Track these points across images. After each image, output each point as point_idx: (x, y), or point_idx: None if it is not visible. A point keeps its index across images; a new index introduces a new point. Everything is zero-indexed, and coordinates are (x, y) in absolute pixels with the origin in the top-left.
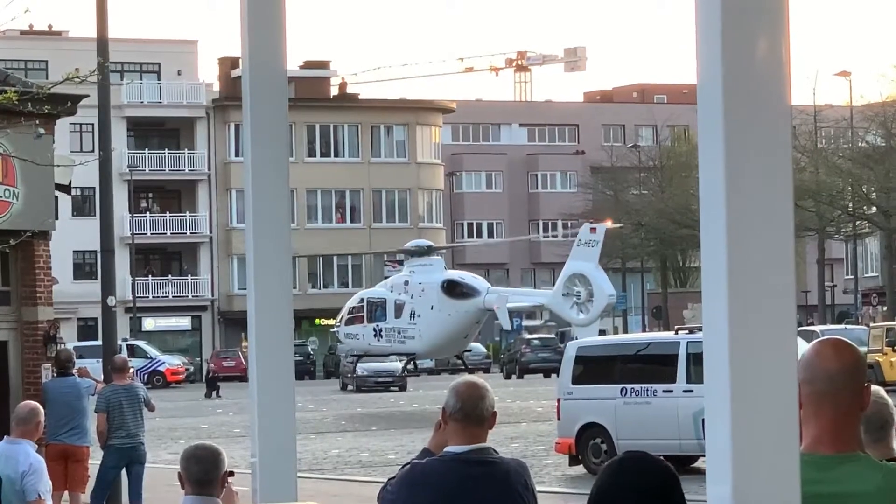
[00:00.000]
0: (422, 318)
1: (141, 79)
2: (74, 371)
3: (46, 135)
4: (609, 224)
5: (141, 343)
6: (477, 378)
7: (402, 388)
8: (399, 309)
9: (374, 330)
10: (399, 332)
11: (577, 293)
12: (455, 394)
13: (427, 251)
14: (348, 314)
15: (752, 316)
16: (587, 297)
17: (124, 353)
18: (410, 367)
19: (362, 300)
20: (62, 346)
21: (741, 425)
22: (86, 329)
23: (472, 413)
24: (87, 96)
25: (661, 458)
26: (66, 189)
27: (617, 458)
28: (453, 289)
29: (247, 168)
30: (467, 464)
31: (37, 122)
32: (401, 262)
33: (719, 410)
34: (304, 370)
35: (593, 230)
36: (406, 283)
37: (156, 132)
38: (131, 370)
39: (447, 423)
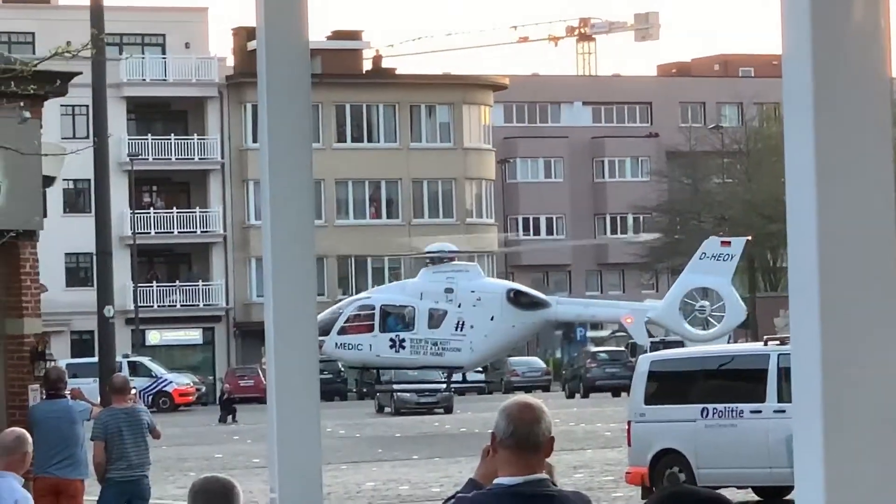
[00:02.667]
0: (475, 328)
1: (143, 53)
2: (67, 392)
3: (33, 118)
4: (747, 238)
5: (144, 360)
6: (531, 398)
7: (448, 409)
8: (437, 318)
9: (393, 340)
10: (435, 344)
11: (700, 307)
12: (506, 416)
13: (449, 257)
14: (345, 322)
15: (848, 323)
16: (711, 311)
17: (125, 372)
18: (454, 382)
19: (370, 307)
20: (52, 363)
21: (835, 452)
22: (80, 344)
23: (525, 439)
24: (80, 74)
25: (718, 493)
26: (48, 182)
27: (662, 494)
28: (519, 298)
29: (263, 156)
30: (521, 497)
31: (21, 103)
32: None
33: (809, 434)
34: (335, 390)
35: (726, 244)
36: (449, 290)
37: (160, 115)
38: (133, 391)
39: (497, 450)
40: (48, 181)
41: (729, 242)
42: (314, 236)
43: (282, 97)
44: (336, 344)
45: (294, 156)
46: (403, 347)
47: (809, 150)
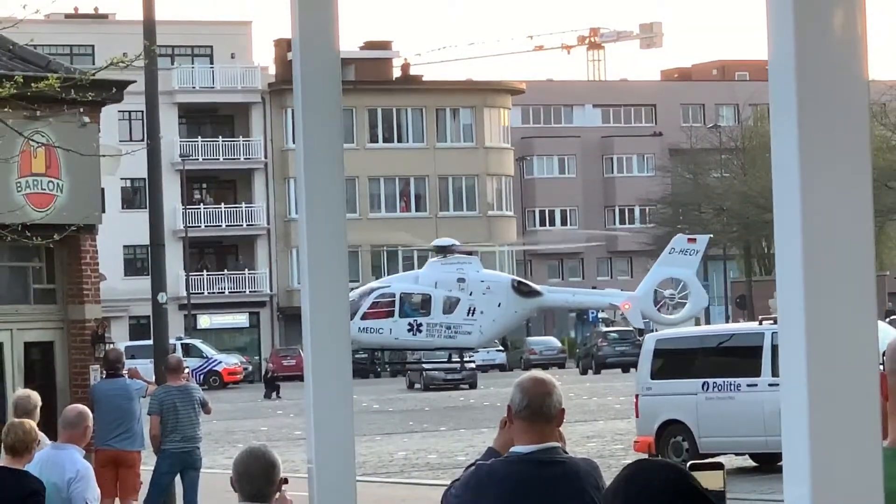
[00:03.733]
0: (485, 314)
1: (192, 63)
2: (124, 372)
3: (91, 123)
4: (710, 235)
5: (196, 342)
6: (543, 373)
7: (473, 385)
8: (451, 305)
9: (411, 325)
10: (449, 328)
11: (669, 295)
12: (521, 390)
13: (448, 249)
14: (368, 308)
15: (829, 304)
16: (680, 299)
17: (178, 353)
18: (468, 360)
19: (391, 294)
20: (111, 345)
21: (819, 420)
22: (138, 328)
23: (538, 410)
24: (134, 82)
25: (677, 464)
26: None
27: (629, 466)
28: (521, 287)
29: (298, 156)
30: (535, 464)
31: (81, 109)
32: (469, 254)
33: (795, 405)
34: (369, 368)
35: (692, 240)
36: (461, 280)
37: (209, 119)
38: (186, 370)
39: (513, 421)
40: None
41: (694, 239)
42: (346, 228)
43: (315, 103)
44: (360, 328)
45: (327, 155)
46: (420, 331)
47: (794, 146)
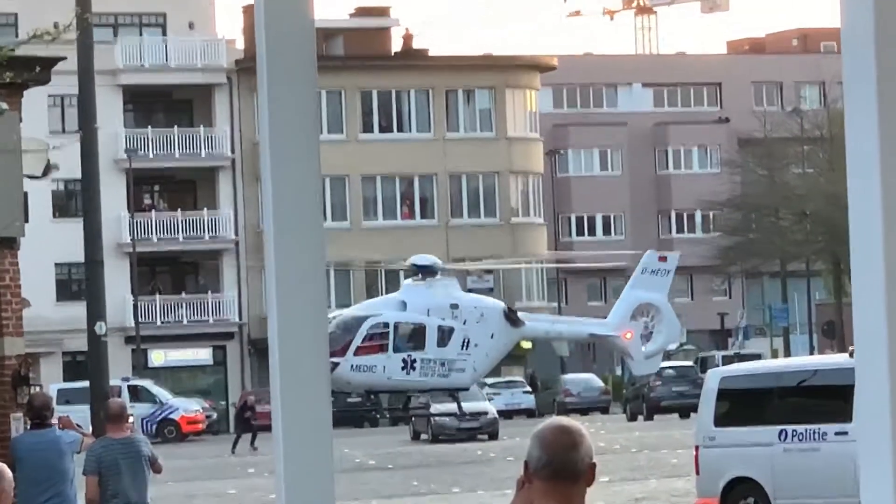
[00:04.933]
0: (479, 347)
1: (141, 35)
2: (54, 421)
3: (10, 111)
4: (679, 254)
5: (146, 383)
6: (568, 420)
7: (493, 435)
8: (445, 336)
9: (404, 360)
10: (443, 364)
11: (644, 323)
12: (539, 442)
13: (429, 270)
14: (361, 342)
15: None
16: (652, 327)
17: (125, 397)
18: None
19: (385, 325)
20: (37, 388)
21: None
22: (74, 366)
23: (562, 467)
24: (65, 59)
25: None
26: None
27: None
28: (510, 315)
29: (264, 151)
30: None
31: None
32: (489, 272)
33: (876, 458)
34: (365, 415)
35: (663, 259)
36: (455, 306)
37: (161, 105)
38: (130, 419)
39: (531, 480)
40: (44, 176)
41: (665, 258)
42: (324, 241)
43: (283, 82)
44: (352, 366)
45: (298, 149)
46: (414, 369)
47: (873, 133)
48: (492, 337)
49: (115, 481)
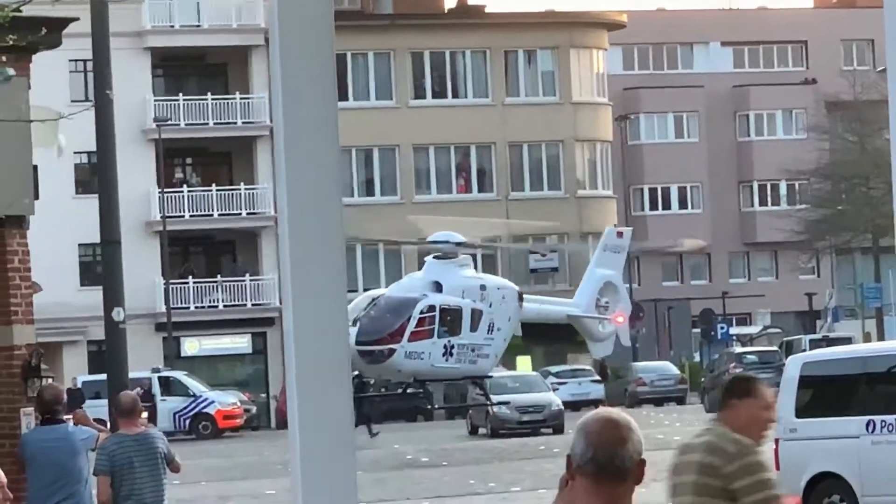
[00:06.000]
0: (501, 331)
1: None
2: (67, 416)
3: (19, 76)
4: (632, 229)
5: (179, 375)
6: (617, 412)
7: (558, 428)
8: (475, 320)
9: (445, 347)
10: (473, 350)
11: (605, 303)
12: (584, 435)
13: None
14: (415, 326)
15: None
16: (607, 305)
17: (155, 388)
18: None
19: (432, 308)
20: (48, 380)
21: None
22: (99, 356)
23: (608, 463)
24: (77, 20)
25: None
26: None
27: None
28: (521, 298)
29: (277, 120)
30: None
31: (2, 58)
32: (552, 251)
33: None
34: (418, 408)
35: (620, 235)
36: (483, 287)
37: (193, 70)
38: (144, 414)
39: (574, 477)
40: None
41: (622, 233)
42: (342, 219)
43: (297, 43)
44: (406, 353)
45: (314, 116)
46: (452, 355)
47: None
48: (509, 320)
49: (129, 481)
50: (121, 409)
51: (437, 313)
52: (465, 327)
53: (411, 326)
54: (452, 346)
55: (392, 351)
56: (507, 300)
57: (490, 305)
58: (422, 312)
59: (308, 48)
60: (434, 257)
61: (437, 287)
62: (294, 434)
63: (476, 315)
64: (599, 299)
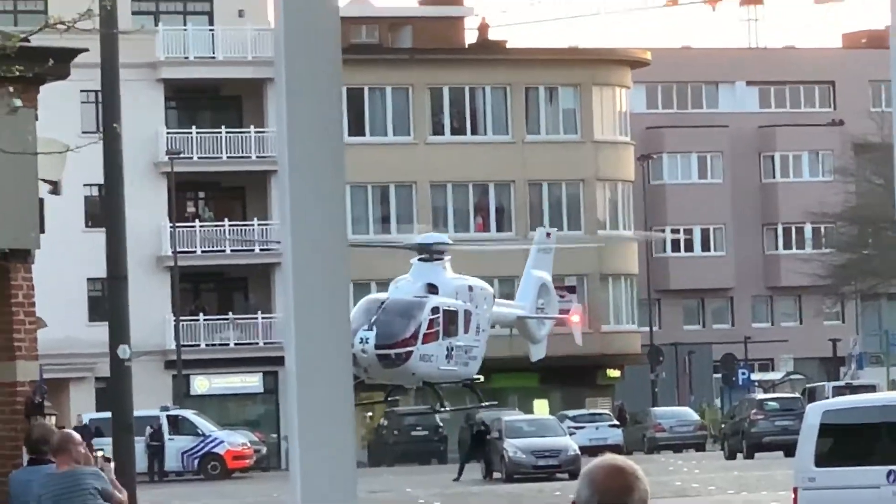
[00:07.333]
0: (485, 332)
1: (185, 24)
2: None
3: (26, 107)
4: (556, 230)
5: (188, 413)
6: (623, 459)
7: (574, 474)
8: (468, 321)
9: (447, 349)
10: (466, 352)
11: (541, 305)
12: (589, 482)
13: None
14: (426, 328)
15: None
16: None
17: (164, 426)
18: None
19: (436, 309)
20: (49, 418)
21: None
22: (106, 393)
23: None
24: (86, 51)
25: None
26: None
27: None
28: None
29: (281, 155)
30: None
31: (10, 88)
32: (570, 290)
33: None
34: (431, 450)
35: (548, 235)
36: (470, 288)
37: (207, 102)
38: (82, 448)
39: None
40: (54, 187)
41: (549, 234)
42: (348, 256)
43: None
44: (420, 356)
45: (320, 151)
46: (451, 357)
47: None
48: (488, 321)
49: None
50: (51, 447)
51: (440, 315)
52: (461, 329)
53: (423, 329)
54: (452, 348)
55: (409, 354)
56: (487, 301)
57: (476, 307)
58: (433, 312)
59: (315, 87)
60: (420, 259)
61: (433, 289)
62: (295, 479)
63: (468, 316)
64: (537, 301)
